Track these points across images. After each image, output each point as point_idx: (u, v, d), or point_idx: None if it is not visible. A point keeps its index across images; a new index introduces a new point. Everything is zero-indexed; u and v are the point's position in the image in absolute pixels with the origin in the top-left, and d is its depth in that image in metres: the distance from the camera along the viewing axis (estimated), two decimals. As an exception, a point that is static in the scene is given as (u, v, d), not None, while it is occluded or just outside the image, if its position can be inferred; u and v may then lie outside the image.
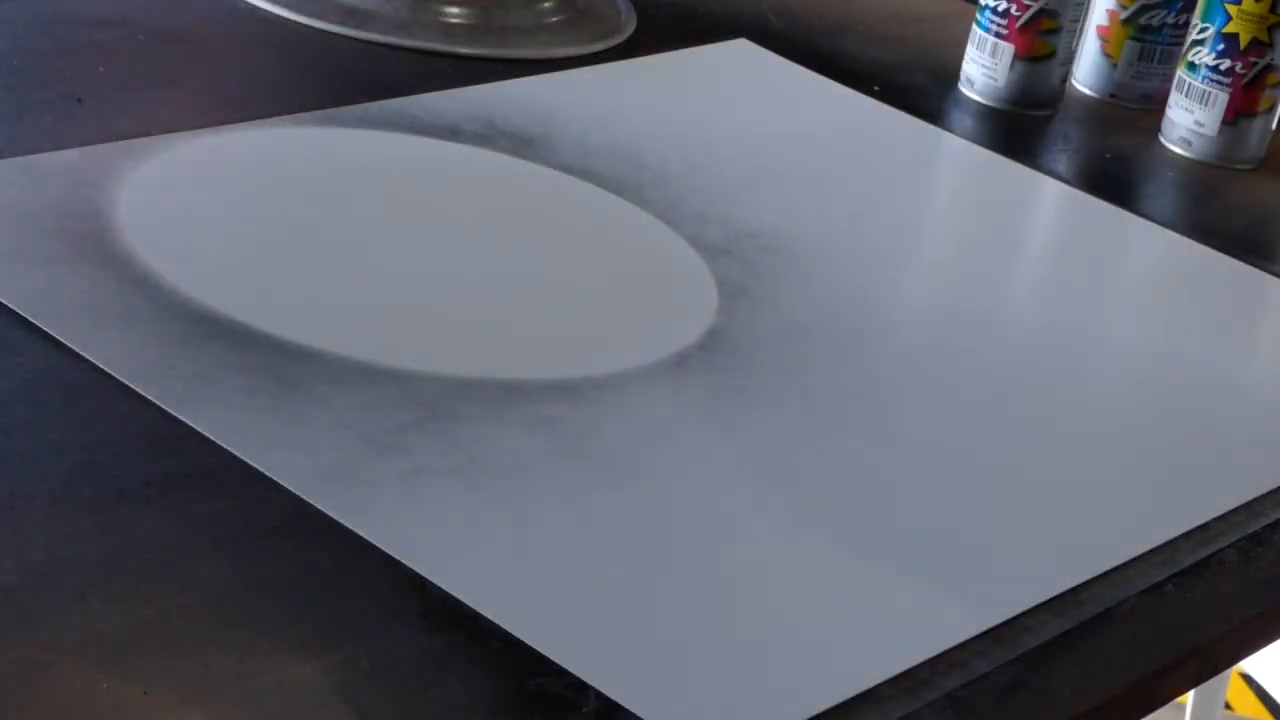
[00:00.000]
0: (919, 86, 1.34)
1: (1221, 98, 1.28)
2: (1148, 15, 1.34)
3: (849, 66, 1.35)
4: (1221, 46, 1.27)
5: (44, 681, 0.66)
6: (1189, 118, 1.30)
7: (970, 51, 1.34)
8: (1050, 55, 1.32)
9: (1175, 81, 1.31)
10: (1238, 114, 1.29)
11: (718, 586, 0.79)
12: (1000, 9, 1.31)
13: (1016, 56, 1.32)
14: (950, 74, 1.36)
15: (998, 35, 1.31)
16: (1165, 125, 1.32)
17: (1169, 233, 1.20)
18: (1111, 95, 1.37)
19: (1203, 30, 1.28)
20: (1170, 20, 1.34)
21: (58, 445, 0.78)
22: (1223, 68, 1.28)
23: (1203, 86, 1.28)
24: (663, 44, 1.32)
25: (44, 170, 0.98)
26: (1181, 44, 1.32)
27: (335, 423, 0.83)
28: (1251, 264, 1.17)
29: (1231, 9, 1.26)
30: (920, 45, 1.43)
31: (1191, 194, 1.29)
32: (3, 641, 0.67)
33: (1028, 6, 1.30)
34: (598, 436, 0.86)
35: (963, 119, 1.31)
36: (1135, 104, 1.37)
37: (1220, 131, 1.29)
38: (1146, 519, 0.89)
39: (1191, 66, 1.29)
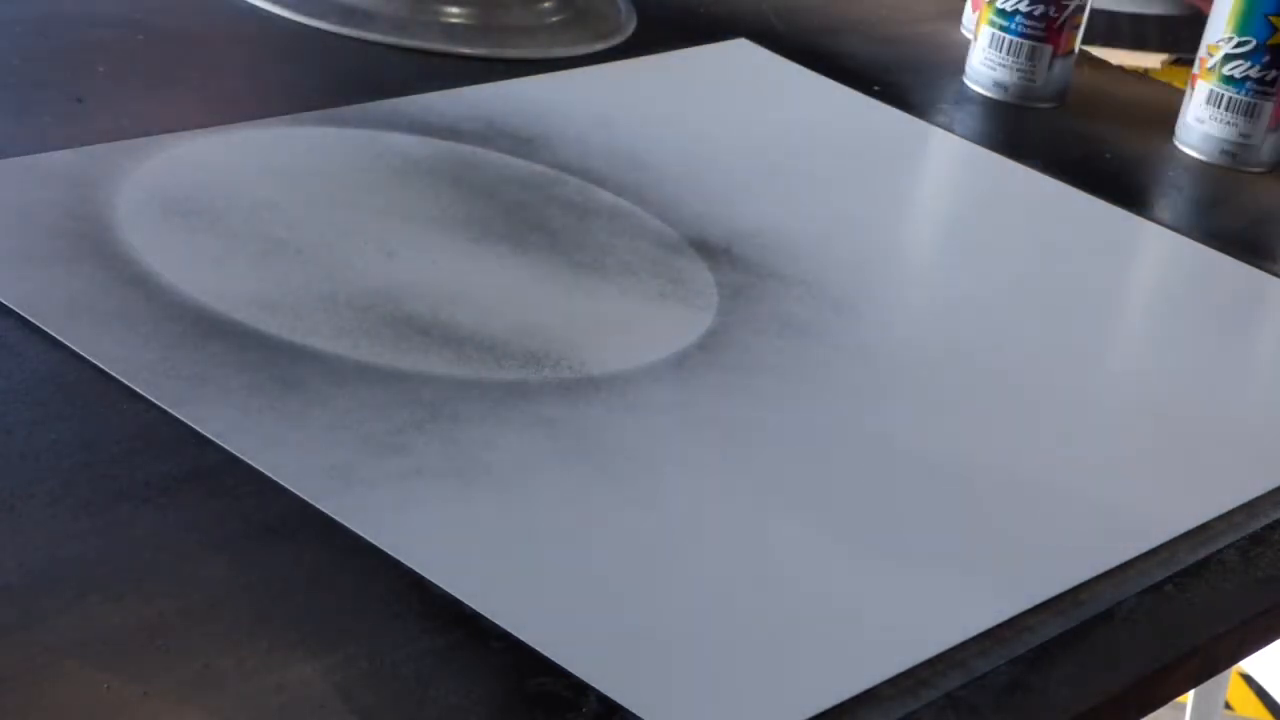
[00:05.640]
0: (919, 86, 1.35)
1: (1267, 108, 1.29)
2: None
3: (849, 66, 1.35)
4: (1266, 59, 1.28)
5: (44, 681, 0.66)
6: (1233, 130, 1.30)
7: (995, 56, 1.34)
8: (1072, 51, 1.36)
9: (1207, 96, 1.30)
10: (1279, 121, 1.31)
11: (717, 586, 0.79)
12: (1037, 13, 1.31)
13: (1055, 55, 1.33)
14: (950, 74, 1.37)
15: (1034, 38, 1.32)
16: (1203, 141, 1.31)
17: (1169, 232, 1.20)
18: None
19: (1243, 44, 1.28)
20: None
21: (58, 445, 0.78)
22: (1268, 79, 1.28)
23: (1248, 99, 1.29)
24: (663, 44, 1.32)
25: (44, 170, 0.98)
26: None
27: (335, 423, 0.83)
28: (1252, 264, 1.17)
29: (1276, 20, 1.27)
30: (920, 45, 1.43)
31: (1192, 194, 1.29)
32: (3, 641, 0.67)
33: (1065, 6, 1.31)
34: (598, 436, 0.86)
35: (963, 119, 1.31)
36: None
37: (1265, 139, 1.30)
38: (1146, 519, 0.89)
39: (1229, 80, 1.29)
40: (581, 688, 0.71)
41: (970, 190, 1.26)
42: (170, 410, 0.81)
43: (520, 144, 1.12)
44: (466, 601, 0.74)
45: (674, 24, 1.36)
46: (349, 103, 1.12)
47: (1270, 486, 0.93)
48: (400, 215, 1.02)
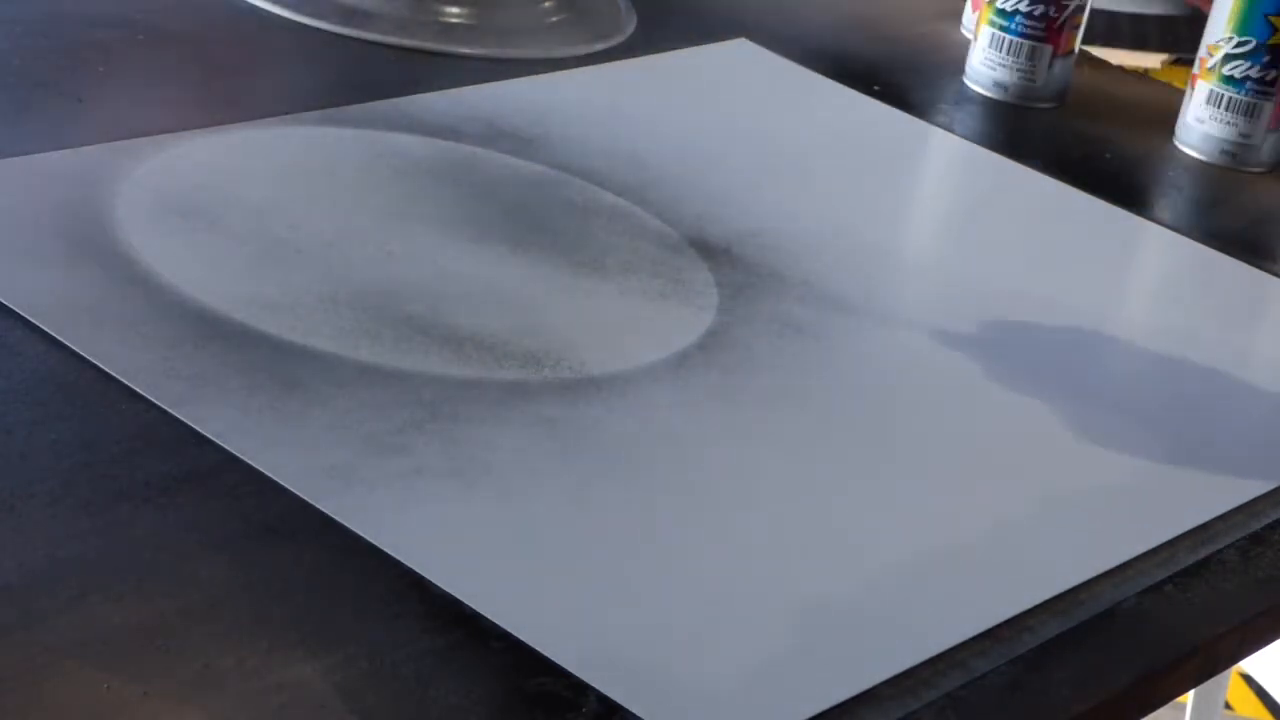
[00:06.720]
0: (919, 86, 1.35)
1: (1267, 108, 1.29)
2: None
3: (849, 66, 1.35)
4: (1266, 59, 1.28)
5: (44, 681, 0.66)
6: (1233, 130, 1.30)
7: (995, 56, 1.34)
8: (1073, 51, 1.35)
9: (1207, 96, 1.31)
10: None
11: (717, 586, 0.79)
12: (1037, 13, 1.31)
13: (1055, 55, 1.33)
14: (950, 74, 1.37)
15: (1034, 38, 1.32)
16: (1203, 141, 1.31)
17: (1169, 232, 1.20)
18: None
19: (1243, 44, 1.28)
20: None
21: (58, 445, 0.78)
22: (1268, 79, 1.28)
23: (1248, 99, 1.29)
24: (663, 44, 1.32)
25: (44, 170, 0.98)
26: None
27: (335, 423, 0.83)
28: (1252, 264, 1.17)
29: (1276, 20, 1.27)
30: (920, 45, 1.43)
31: (1192, 194, 1.29)
32: (3, 641, 0.67)
33: (1065, 6, 1.31)
34: (598, 436, 0.86)
35: (963, 119, 1.31)
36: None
37: (1264, 139, 1.30)
38: (1146, 519, 0.89)
39: (1229, 80, 1.29)
40: (581, 688, 0.71)
41: (970, 190, 1.26)
42: (170, 410, 0.81)
43: (520, 144, 1.12)
44: (466, 601, 0.74)
45: (674, 24, 1.36)
46: (349, 103, 1.12)
47: (1270, 486, 0.93)
48: (400, 215, 1.02)
